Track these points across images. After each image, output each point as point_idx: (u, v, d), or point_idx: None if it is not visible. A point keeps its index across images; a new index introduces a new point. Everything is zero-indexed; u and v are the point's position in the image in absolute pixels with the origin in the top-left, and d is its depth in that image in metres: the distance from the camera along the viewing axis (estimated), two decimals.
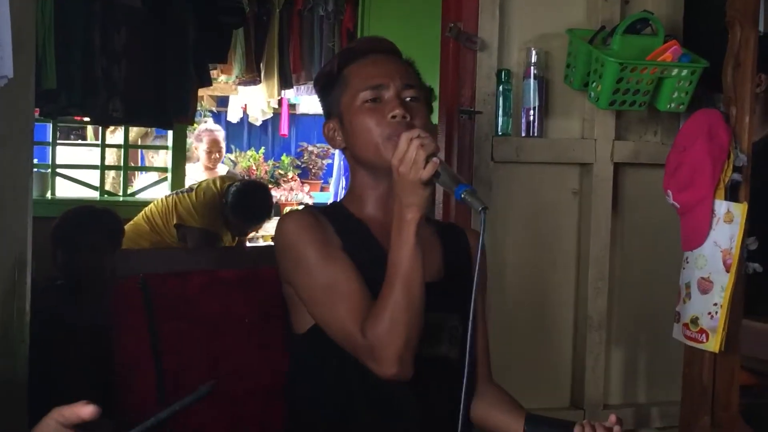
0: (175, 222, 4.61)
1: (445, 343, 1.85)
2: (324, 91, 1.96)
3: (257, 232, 5.38)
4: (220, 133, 6.18)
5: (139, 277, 1.94)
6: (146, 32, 4.06)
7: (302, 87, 6.50)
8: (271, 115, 7.39)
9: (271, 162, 9.20)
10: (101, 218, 3.52)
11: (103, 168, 5.64)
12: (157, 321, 1.93)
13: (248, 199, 4.63)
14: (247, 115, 7.36)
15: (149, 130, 6.47)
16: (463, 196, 1.63)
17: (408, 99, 1.86)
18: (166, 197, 4.79)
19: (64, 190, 5.70)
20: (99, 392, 1.52)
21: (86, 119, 5.17)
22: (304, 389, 1.88)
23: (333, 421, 1.82)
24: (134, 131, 6.22)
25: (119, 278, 1.98)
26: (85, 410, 1.14)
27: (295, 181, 8.85)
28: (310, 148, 9.62)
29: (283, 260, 1.86)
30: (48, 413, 1.16)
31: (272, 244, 1.91)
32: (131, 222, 4.64)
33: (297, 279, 1.82)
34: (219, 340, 1.97)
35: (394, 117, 1.82)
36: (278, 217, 1.93)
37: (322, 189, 9.04)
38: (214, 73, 5.60)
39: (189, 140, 6.17)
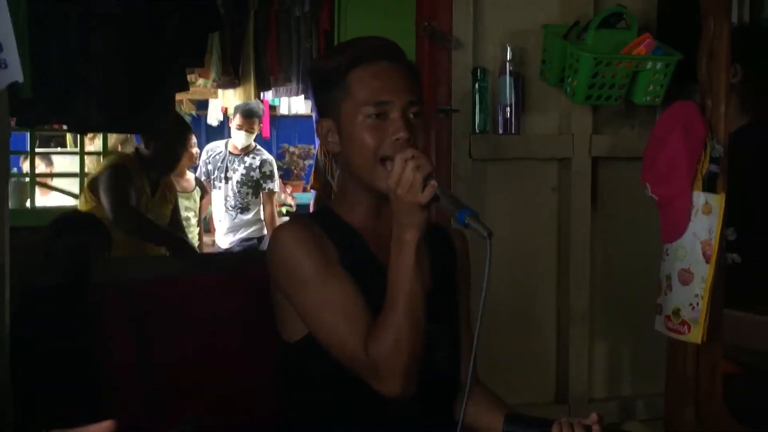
0: None
1: (438, 352, 1.83)
2: (321, 86, 1.85)
3: None
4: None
5: (124, 283, 1.94)
6: (122, 38, 4.04)
7: (281, 88, 6.46)
8: None
9: None
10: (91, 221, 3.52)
11: (83, 176, 5.61)
12: (142, 327, 1.92)
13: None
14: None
15: (128, 136, 6.42)
16: (467, 221, 1.61)
17: (412, 116, 1.77)
18: None
19: (44, 199, 5.67)
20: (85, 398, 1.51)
21: (64, 127, 5.14)
22: (296, 398, 1.85)
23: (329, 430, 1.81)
24: (113, 138, 6.19)
25: (104, 285, 1.97)
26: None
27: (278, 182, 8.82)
28: (291, 149, 9.59)
29: (277, 273, 1.81)
30: None
31: (253, 248, 1.90)
32: None
33: (293, 294, 1.78)
34: (204, 344, 1.97)
35: (398, 140, 1.74)
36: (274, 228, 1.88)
37: (305, 190, 9.02)
38: (192, 76, 5.56)
39: None
